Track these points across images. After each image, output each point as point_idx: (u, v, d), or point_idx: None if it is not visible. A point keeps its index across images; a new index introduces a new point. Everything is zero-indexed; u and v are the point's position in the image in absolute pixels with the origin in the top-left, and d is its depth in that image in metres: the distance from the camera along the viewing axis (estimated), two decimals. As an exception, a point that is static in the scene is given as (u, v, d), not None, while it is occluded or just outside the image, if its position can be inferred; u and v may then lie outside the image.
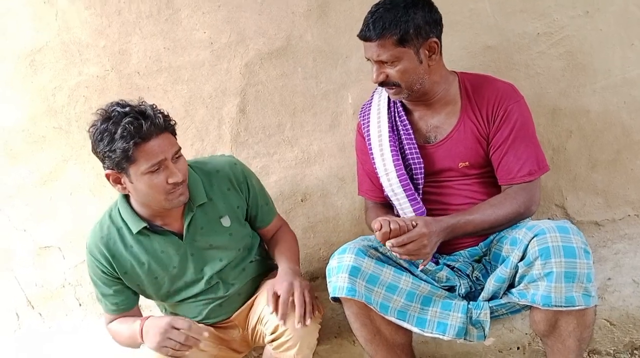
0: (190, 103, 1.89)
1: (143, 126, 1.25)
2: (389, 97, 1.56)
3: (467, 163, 1.48)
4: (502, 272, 1.31)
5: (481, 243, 1.50)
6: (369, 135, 1.58)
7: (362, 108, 1.65)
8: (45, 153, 2.01)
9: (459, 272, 1.47)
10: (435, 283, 1.42)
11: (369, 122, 1.60)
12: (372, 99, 1.63)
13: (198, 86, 1.87)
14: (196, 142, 1.93)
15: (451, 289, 1.44)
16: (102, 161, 1.32)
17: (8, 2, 1.87)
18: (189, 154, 1.94)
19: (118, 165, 1.29)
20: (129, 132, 1.25)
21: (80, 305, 2.15)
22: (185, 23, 1.81)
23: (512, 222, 1.40)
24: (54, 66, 1.91)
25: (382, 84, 1.44)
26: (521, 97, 1.47)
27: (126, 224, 1.42)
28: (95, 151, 1.32)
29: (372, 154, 1.56)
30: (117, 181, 1.34)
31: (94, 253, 1.44)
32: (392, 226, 1.25)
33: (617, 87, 1.65)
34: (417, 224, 1.28)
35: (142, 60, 1.87)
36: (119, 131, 1.25)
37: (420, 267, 1.41)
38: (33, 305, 2.17)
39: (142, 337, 1.38)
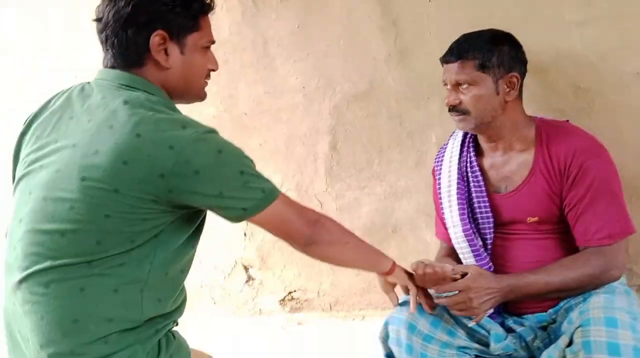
0: (290, 141, 2.07)
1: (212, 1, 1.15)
2: (462, 141, 1.57)
3: (536, 218, 1.43)
4: (552, 352, 1.28)
5: (550, 310, 1.45)
6: (439, 182, 1.60)
7: (438, 152, 1.66)
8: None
9: (519, 339, 1.45)
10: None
11: (441, 168, 1.62)
12: (447, 144, 1.63)
13: (295, 126, 2.04)
14: (297, 175, 2.12)
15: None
16: (159, 17, 1.06)
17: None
18: (292, 185, 2.15)
19: (180, 27, 1.08)
20: None
21: (215, 303, 2.55)
22: (280, 70, 1.98)
23: (585, 287, 1.34)
24: (180, 107, 2.23)
25: (452, 108, 1.43)
26: (602, 151, 1.38)
27: None
28: (153, 5, 1.06)
29: (441, 202, 1.58)
30: (161, 48, 1.07)
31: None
32: (426, 270, 1.31)
33: None
34: (466, 274, 1.31)
35: (248, 103, 2.09)
36: None
37: (471, 323, 1.42)
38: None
39: (394, 265, 1.35)
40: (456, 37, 1.50)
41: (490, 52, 1.37)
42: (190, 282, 2.44)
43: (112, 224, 0.97)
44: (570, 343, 1.22)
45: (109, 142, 0.96)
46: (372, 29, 1.76)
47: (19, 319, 1.01)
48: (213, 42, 1.17)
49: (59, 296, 0.97)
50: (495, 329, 1.42)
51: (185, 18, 1.07)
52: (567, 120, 1.55)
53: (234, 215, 1.04)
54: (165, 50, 1.07)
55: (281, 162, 2.14)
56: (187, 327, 2.58)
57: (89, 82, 1.11)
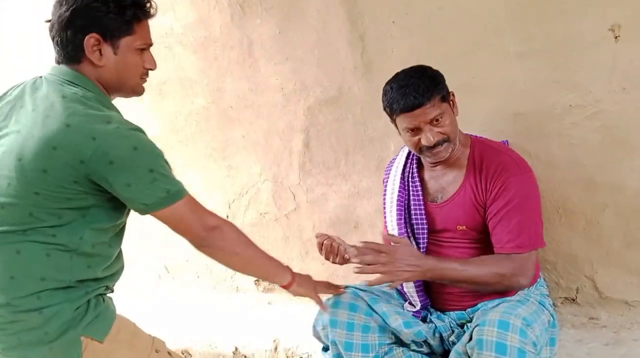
0: (269, 135, 2.25)
1: (148, 4, 1.26)
2: (407, 154, 1.72)
3: (464, 226, 1.57)
4: (459, 348, 1.45)
5: (469, 310, 1.61)
6: (385, 190, 1.77)
7: (389, 163, 1.82)
8: (172, 158, 2.58)
9: (435, 331, 1.62)
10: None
11: (388, 177, 1.78)
12: (397, 156, 1.79)
13: (274, 121, 2.22)
14: (273, 167, 2.30)
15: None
16: (96, 21, 1.20)
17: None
18: (269, 176, 2.34)
19: (113, 31, 1.21)
20: (140, 4, 1.24)
21: (198, 277, 2.78)
22: (262, 70, 2.15)
23: (494, 285, 1.46)
24: (175, 96, 2.43)
25: (435, 145, 1.50)
26: (526, 171, 1.51)
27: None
28: (93, 7, 1.19)
29: (384, 208, 1.75)
30: (95, 49, 1.21)
31: (144, 132, 1.27)
32: (324, 241, 1.55)
33: (659, 168, 1.53)
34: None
35: (234, 98, 2.27)
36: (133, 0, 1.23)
37: (388, 288, 1.61)
38: (169, 271, 2.88)
39: (294, 278, 1.47)
40: (414, 57, 1.65)
41: (439, 84, 1.50)
42: (178, 256, 2.69)
43: (41, 200, 1.13)
44: (470, 339, 1.38)
45: (43, 129, 1.12)
46: (342, 41, 1.91)
47: None
48: (149, 44, 1.29)
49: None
50: (407, 318, 1.59)
51: (118, 23, 1.20)
52: (507, 141, 1.70)
53: (138, 207, 1.19)
54: (100, 51, 1.21)
55: (261, 154, 2.33)
56: (175, 294, 2.80)
57: (41, 76, 1.25)
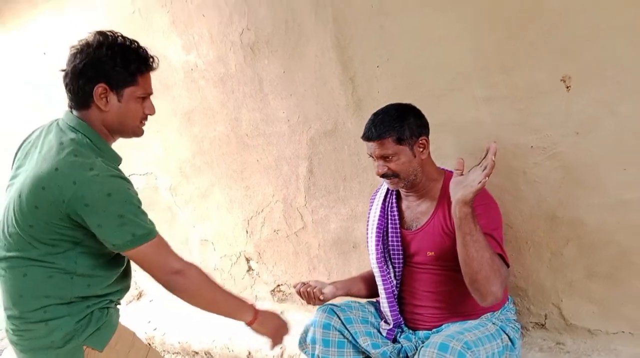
0: (279, 160, 2.49)
1: (151, 59, 1.44)
2: (388, 187, 1.91)
3: (433, 253, 1.74)
4: (412, 365, 1.64)
5: (434, 330, 1.79)
6: (368, 216, 1.96)
7: (374, 193, 2.01)
8: (202, 177, 2.89)
9: (399, 351, 1.79)
10: None
11: (372, 205, 1.97)
12: (380, 186, 1.99)
13: (282, 149, 2.45)
14: (283, 189, 2.54)
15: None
16: (105, 73, 1.36)
17: (174, 78, 2.72)
18: (280, 197, 2.57)
19: (119, 82, 1.37)
20: (143, 59, 1.40)
21: (224, 285, 3.06)
22: (272, 104, 2.39)
23: (481, 277, 1.46)
24: (201, 123, 2.72)
25: (383, 175, 1.75)
26: (488, 201, 1.67)
27: (111, 159, 1.45)
28: (98, 63, 1.35)
29: (367, 234, 1.95)
30: (102, 97, 1.37)
31: (122, 174, 1.40)
32: (300, 289, 1.81)
33: (612, 206, 1.63)
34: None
35: (249, 126, 2.53)
36: (135, 55, 1.39)
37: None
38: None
39: (256, 316, 1.55)
40: (396, 97, 1.84)
41: (401, 127, 1.67)
42: (207, 264, 2.97)
43: (36, 232, 1.31)
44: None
45: (38, 170, 1.30)
46: (335, 82, 2.11)
47: None
48: (150, 93, 1.46)
49: (10, 278, 1.37)
50: (375, 339, 1.78)
51: (123, 75, 1.37)
52: (480, 176, 1.84)
53: (109, 246, 1.33)
54: (107, 98, 1.37)
55: (272, 177, 2.57)
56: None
57: (56, 120, 1.44)
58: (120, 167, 1.43)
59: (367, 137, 1.72)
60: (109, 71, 1.36)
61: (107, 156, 1.41)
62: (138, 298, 3.48)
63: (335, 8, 1.99)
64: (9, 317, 1.40)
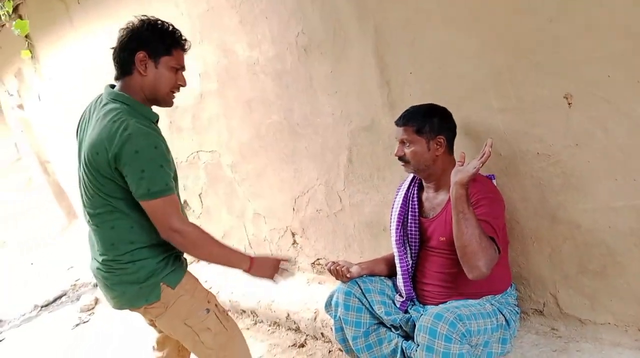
0: (324, 149, 2.82)
1: (186, 42, 1.72)
2: (412, 178, 2.20)
3: (444, 238, 2.01)
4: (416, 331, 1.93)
5: (440, 305, 2.06)
6: (393, 204, 2.26)
7: (400, 184, 2.30)
8: (258, 158, 3.27)
9: (409, 321, 2.09)
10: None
11: (397, 194, 2.27)
12: (406, 179, 2.28)
13: (327, 139, 2.77)
14: (326, 174, 2.87)
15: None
16: (145, 43, 1.63)
17: (239, 70, 3.09)
18: (323, 181, 2.90)
19: (158, 50, 1.64)
20: (179, 38, 1.69)
21: (272, 254, 3.45)
22: (320, 99, 2.71)
23: (469, 252, 1.71)
24: (259, 111, 3.09)
25: (399, 158, 2.06)
26: (493, 193, 1.94)
27: (147, 118, 1.69)
28: (140, 36, 1.64)
29: (391, 219, 2.25)
30: (142, 62, 1.64)
31: (155, 132, 1.64)
32: (330, 267, 2.11)
33: (603, 211, 1.83)
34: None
35: (300, 117, 2.86)
36: (176, 34, 1.69)
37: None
38: (252, 246, 3.59)
39: (252, 264, 1.80)
40: (424, 101, 2.12)
41: (424, 122, 1.98)
42: (259, 234, 3.37)
43: (107, 191, 1.62)
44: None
45: (91, 140, 1.60)
46: (373, 84, 2.39)
47: (92, 234, 1.78)
48: (182, 67, 1.72)
49: (102, 230, 1.70)
50: (388, 308, 2.09)
51: (160, 46, 1.64)
52: (493, 175, 2.09)
53: (133, 194, 1.59)
54: (146, 64, 1.64)
55: (317, 163, 2.90)
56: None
57: (100, 96, 1.71)
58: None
59: (396, 122, 2.05)
60: (149, 42, 1.64)
61: (142, 116, 1.66)
62: (198, 261, 3.94)
63: (376, 20, 2.26)
64: (104, 261, 1.73)
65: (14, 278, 5.83)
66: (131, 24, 1.67)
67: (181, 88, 1.77)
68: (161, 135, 1.68)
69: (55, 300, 4.89)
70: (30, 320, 4.66)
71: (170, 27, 1.70)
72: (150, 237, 1.71)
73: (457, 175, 1.75)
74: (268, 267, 1.88)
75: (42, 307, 4.82)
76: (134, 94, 1.69)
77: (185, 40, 1.74)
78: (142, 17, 1.68)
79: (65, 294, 4.85)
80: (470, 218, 1.72)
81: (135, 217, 1.68)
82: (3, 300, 5.10)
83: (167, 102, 1.75)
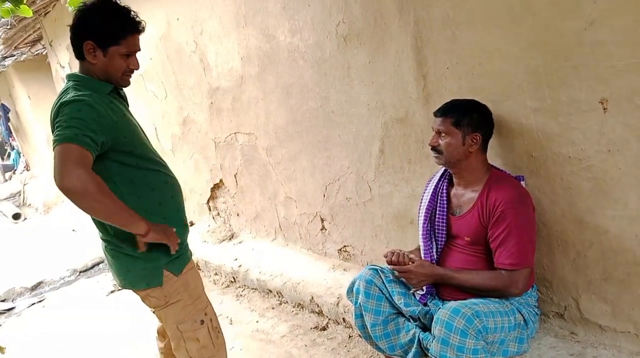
0: (357, 137, 2.85)
1: (138, 24, 1.68)
2: (442, 173, 2.22)
3: (469, 238, 2.06)
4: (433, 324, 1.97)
5: (460, 302, 2.09)
6: (421, 199, 2.29)
7: (429, 179, 2.33)
8: (292, 143, 3.34)
9: (427, 313, 2.12)
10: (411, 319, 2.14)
11: (426, 189, 2.30)
12: (435, 174, 2.30)
13: (360, 128, 2.81)
14: (357, 163, 2.91)
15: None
16: (92, 33, 1.63)
17: (279, 56, 3.14)
18: (354, 170, 2.94)
19: (104, 40, 1.64)
20: (129, 23, 1.65)
21: (300, 238, 3.52)
22: (356, 88, 2.74)
23: (490, 293, 1.90)
24: (296, 96, 3.14)
25: (433, 148, 2.08)
26: (524, 203, 1.94)
27: (96, 90, 1.68)
28: (89, 24, 1.63)
29: (419, 213, 2.28)
30: (91, 51, 1.65)
31: (96, 101, 1.62)
32: (392, 258, 2.09)
33: (631, 219, 1.82)
34: (414, 262, 2.05)
35: (335, 105, 2.90)
36: (124, 20, 1.65)
37: (411, 292, 2.15)
38: (282, 228, 3.68)
39: (149, 229, 1.66)
40: (460, 96, 2.13)
41: (463, 115, 1.99)
42: (289, 217, 3.46)
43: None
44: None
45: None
46: (410, 76, 2.40)
47: None
48: (134, 51, 1.70)
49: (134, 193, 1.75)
50: (407, 299, 2.12)
51: (108, 34, 1.64)
52: (522, 176, 2.10)
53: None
54: (95, 53, 1.65)
55: (350, 151, 2.94)
56: (283, 247, 3.57)
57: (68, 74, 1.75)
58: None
59: (435, 112, 2.06)
60: (97, 31, 1.63)
61: (90, 89, 1.67)
62: (229, 239, 4.06)
63: (416, 13, 2.27)
64: (102, 238, 1.87)
65: (57, 243, 6.11)
66: (83, 7, 1.67)
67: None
68: (111, 104, 1.69)
69: (93, 266, 5.13)
70: (69, 283, 4.91)
71: (122, 12, 1.67)
72: (143, 209, 1.72)
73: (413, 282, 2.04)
74: (163, 231, 1.74)
75: (80, 272, 5.07)
76: (90, 74, 1.72)
77: (140, 23, 1.71)
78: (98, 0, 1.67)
79: (102, 261, 5.07)
80: (462, 278, 1.98)
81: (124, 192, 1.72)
82: (46, 264, 5.36)
83: (122, 84, 1.78)
